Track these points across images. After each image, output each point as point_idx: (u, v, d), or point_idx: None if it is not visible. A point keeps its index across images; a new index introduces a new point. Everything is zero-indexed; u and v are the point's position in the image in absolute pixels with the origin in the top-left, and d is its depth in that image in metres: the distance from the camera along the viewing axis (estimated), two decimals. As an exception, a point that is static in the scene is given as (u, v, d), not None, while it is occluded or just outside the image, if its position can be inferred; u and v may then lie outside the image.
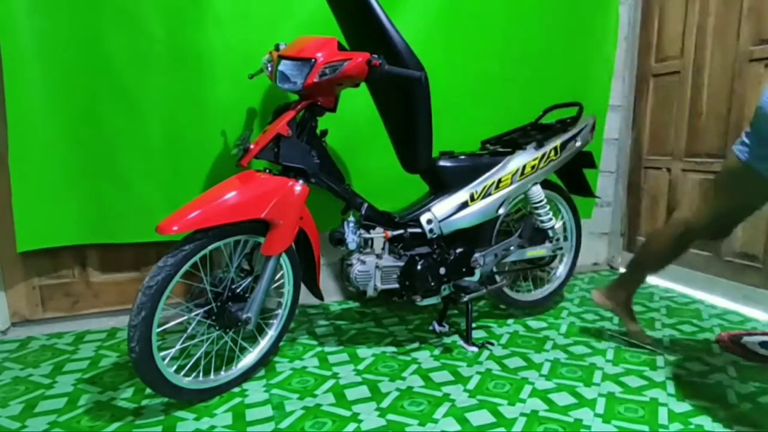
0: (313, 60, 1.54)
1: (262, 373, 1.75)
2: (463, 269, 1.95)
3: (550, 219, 2.16)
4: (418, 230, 1.86)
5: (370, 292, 1.83)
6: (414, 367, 1.81)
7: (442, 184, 1.94)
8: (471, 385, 1.68)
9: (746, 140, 1.50)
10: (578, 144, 2.15)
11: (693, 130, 2.61)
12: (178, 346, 1.58)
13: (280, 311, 1.77)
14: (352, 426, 1.45)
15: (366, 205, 1.79)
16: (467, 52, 2.36)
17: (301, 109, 1.63)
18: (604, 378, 1.73)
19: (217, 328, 1.62)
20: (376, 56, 1.53)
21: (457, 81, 2.36)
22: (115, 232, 2.01)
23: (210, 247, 1.48)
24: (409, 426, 1.45)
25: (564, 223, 2.36)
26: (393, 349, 1.96)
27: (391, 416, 1.50)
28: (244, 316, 1.55)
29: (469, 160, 1.97)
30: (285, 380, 1.71)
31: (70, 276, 2.10)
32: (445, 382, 1.70)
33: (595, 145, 2.46)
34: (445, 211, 1.89)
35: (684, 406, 1.55)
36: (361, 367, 1.81)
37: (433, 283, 1.87)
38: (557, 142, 2.09)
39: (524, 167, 2.01)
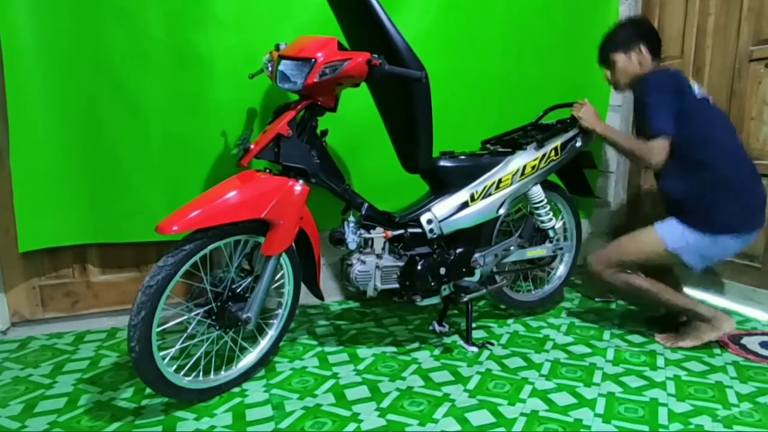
0: (313, 60, 1.54)
1: (262, 373, 1.75)
2: (463, 269, 1.95)
3: (551, 219, 2.16)
4: (419, 230, 1.86)
5: (370, 292, 1.82)
6: (414, 367, 1.81)
7: (442, 184, 1.94)
8: (471, 385, 1.68)
9: None
10: (578, 144, 2.15)
11: (693, 130, 2.60)
12: (178, 346, 1.58)
13: (280, 311, 1.77)
14: (352, 426, 1.45)
15: (366, 205, 1.79)
16: (467, 51, 2.36)
17: (302, 109, 1.63)
18: (604, 378, 1.73)
19: (217, 328, 1.62)
20: (376, 56, 1.53)
21: (457, 81, 2.35)
22: (116, 231, 2.01)
23: (210, 247, 1.48)
24: (409, 426, 1.45)
25: (564, 223, 2.36)
26: (393, 349, 1.96)
27: (391, 416, 1.50)
28: (244, 316, 1.55)
29: (470, 160, 1.97)
30: (285, 380, 1.71)
31: (70, 276, 2.10)
32: (445, 382, 1.70)
33: (595, 145, 2.45)
34: (446, 211, 1.89)
35: (684, 406, 1.55)
36: (361, 367, 1.81)
37: (433, 283, 1.87)
38: (558, 142, 2.09)
39: (524, 167, 2.01)
